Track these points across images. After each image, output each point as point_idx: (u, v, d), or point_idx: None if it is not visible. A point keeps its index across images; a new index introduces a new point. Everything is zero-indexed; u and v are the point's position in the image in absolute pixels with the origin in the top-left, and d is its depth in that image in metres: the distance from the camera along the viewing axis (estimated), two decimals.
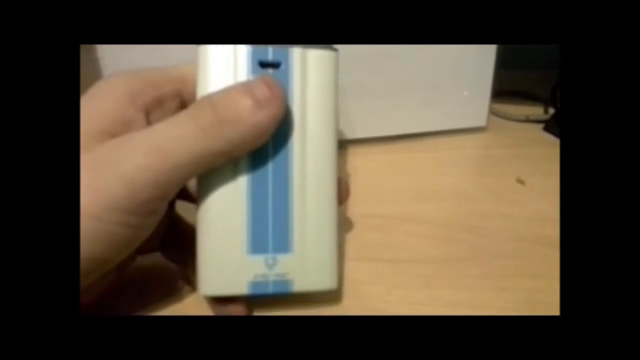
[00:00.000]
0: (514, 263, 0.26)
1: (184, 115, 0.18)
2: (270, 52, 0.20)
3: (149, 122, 0.19)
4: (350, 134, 0.38)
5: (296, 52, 0.20)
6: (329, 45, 0.21)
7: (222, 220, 0.19)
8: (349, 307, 0.23)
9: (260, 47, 0.20)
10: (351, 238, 0.28)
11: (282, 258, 0.20)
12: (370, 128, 0.39)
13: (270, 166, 0.20)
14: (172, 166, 0.17)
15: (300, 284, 0.20)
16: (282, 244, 0.20)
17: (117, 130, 0.18)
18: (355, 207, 0.31)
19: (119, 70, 0.20)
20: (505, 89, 0.47)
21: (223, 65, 0.19)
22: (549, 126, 0.44)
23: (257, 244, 0.20)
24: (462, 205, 0.32)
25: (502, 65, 0.41)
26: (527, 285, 0.24)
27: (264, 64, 0.20)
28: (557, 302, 0.17)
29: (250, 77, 0.19)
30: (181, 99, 0.21)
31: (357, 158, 0.37)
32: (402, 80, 0.38)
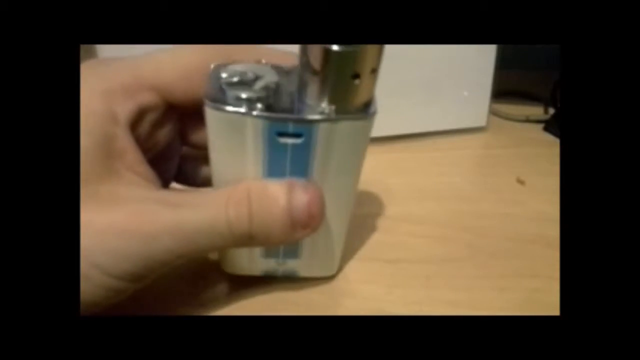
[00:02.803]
0: (514, 263, 0.26)
1: (218, 208, 0.17)
2: (290, 127, 0.17)
3: (135, 136, 0.18)
4: None
5: (322, 126, 0.17)
6: (364, 110, 0.17)
7: None
8: (349, 307, 0.23)
9: (278, 122, 0.16)
10: (351, 238, 0.28)
11: (291, 262, 0.23)
12: None
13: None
14: (196, 253, 0.17)
15: (305, 273, 0.24)
16: (292, 254, 0.22)
17: (106, 143, 0.17)
18: (355, 207, 0.31)
19: (90, 68, 0.18)
20: (505, 89, 0.47)
21: (235, 135, 0.17)
22: (549, 126, 0.44)
23: (269, 253, 0.22)
24: (462, 205, 0.32)
25: (502, 65, 0.40)
26: (527, 285, 0.24)
27: (283, 134, 0.17)
28: (557, 302, 0.17)
29: (267, 148, 0.17)
30: (164, 108, 0.19)
31: None
32: (402, 80, 0.38)
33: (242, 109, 0.16)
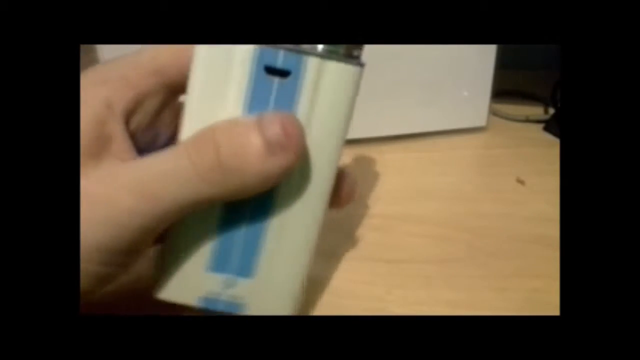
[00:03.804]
0: (513, 263, 0.26)
1: (180, 152, 0.16)
2: (281, 56, 0.16)
3: (129, 130, 0.18)
4: (350, 134, 0.38)
5: (312, 62, 0.17)
6: (354, 57, 0.17)
7: (191, 232, 0.18)
8: (349, 307, 0.23)
9: (270, 49, 0.16)
10: (351, 238, 0.28)
11: (242, 282, 0.19)
12: (370, 128, 0.39)
13: None
14: (163, 211, 0.16)
15: (254, 309, 0.20)
16: (246, 268, 0.19)
17: (96, 150, 0.16)
18: (355, 207, 0.31)
19: (92, 70, 0.18)
20: (505, 89, 0.47)
21: (221, 69, 0.17)
22: (549, 126, 0.44)
23: (219, 263, 0.19)
24: (462, 205, 0.32)
25: (502, 65, 0.41)
26: (527, 285, 0.24)
27: (270, 70, 0.16)
28: (557, 302, 0.17)
29: (251, 85, 0.17)
30: (163, 94, 0.19)
31: (357, 158, 0.37)
32: (402, 80, 0.38)
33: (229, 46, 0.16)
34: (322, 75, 0.17)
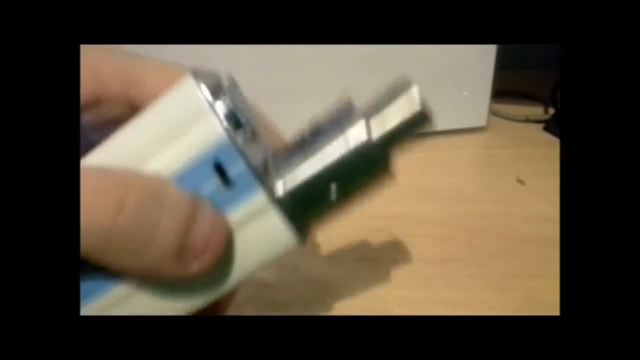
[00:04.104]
0: (514, 263, 0.26)
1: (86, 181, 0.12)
2: (235, 166, 0.14)
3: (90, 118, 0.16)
4: None
5: (259, 198, 0.14)
6: (303, 232, 0.15)
7: None
8: (349, 307, 0.23)
9: (232, 151, 0.14)
10: (351, 238, 0.28)
11: None
12: None
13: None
14: None
15: None
16: None
17: None
18: (355, 207, 0.31)
19: (94, 48, 0.17)
20: (505, 89, 0.47)
21: (184, 118, 0.14)
22: (549, 126, 0.44)
23: None
24: (462, 205, 0.32)
25: (502, 65, 0.40)
26: (527, 285, 0.24)
27: (219, 168, 0.14)
28: (557, 302, 0.17)
29: (192, 164, 0.14)
30: (131, 106, 0.17)
31: None
32: None
33: (214, 103, 0.14)
34: (258, 216, 0.14)
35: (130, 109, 0.17)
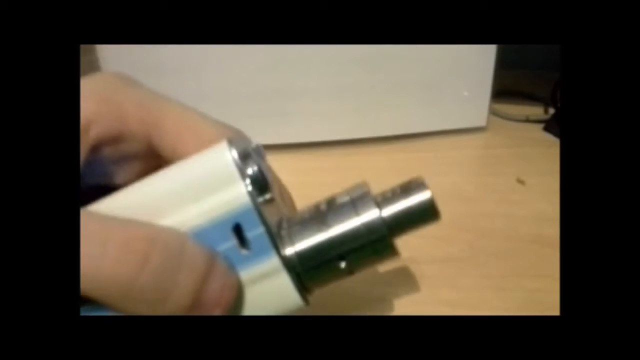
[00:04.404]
0: (514, 263, 0.26)
1: (98, 230, 0.13)
2: (254, 232, 0.15)
3: (92, 152, 0.17)
4: (350, 134, 0.38)
5: (273, 262, 0.15)
6: (308, 292, 0.16)
7: None
8: (349, 307, 0.23)
9: (253, 217, 0.15)
10: None
11: None
12: (370, 128, 0.39)
13: None
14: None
15: None
16: None
17: None
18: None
19: (106, 74, 0.17)
20: (505, 89, 0.47)
21: (212, 181, 0.15)
22: (549, 126, 0.44)
23: None
24: (462, 205, 0.32)
25: (502, 65, 0.40)
26: (527, 285, 0.24)
27: (238, 230, 0.15)
28: (557, 302, 0.17)
29: (213, 224, 0.15)
30: (149, 144, 0.17)
31: (357, 158, 0.37)
32: (402, 80, 0.38)
33: (244, 168, 0.15)
34: (270, 277, 0.15)
35: (148, 148, 0.17)
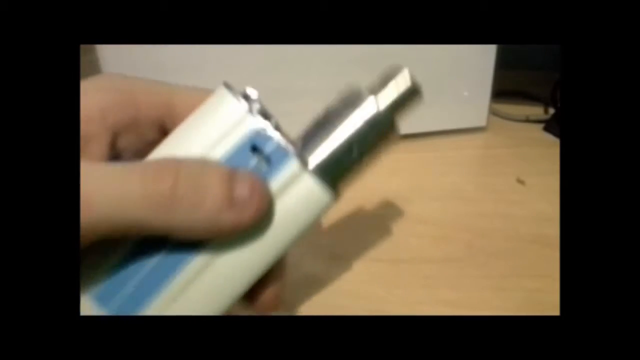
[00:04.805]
0: (513, 263, 0.26)
1: (136, 169, 0.15)
2: (270, 145, 0.16)
3: (112, 145, 0.17)
4: None
5: (293, 166, 0.16)
6: (336, 189, 0.17)
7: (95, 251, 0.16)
8: (349, 307, 0.23)
9: (265, 134, 0.16)
10: (351, 238, 0.28)
11: None
12: None
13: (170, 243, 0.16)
14: (95, 222, 0.14)
15: None
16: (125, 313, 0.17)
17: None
18: (355, 207, 0.31)
19: (110, 73, 0.18)
20: (505, 89, 0.47)
21: (221, 119, 0.17)
22: (549, 126, 0.44)
23: (103, 296, 0.17)
24: (462, 205, 0.32)
25: (502, 65, 0.40)
26: (527, 285, 0.24)
27: (255, 149, 0.17)
28: (557, 302, 0.17)
29: (233, 151, 0.16)
30: (162, 129, 0.18)
31: None
32: None
33: (246, 107, 0.17)
34: (295, 182, 0.17)
35: (162, 133, 0.18)
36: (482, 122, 0.43)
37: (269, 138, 0.17)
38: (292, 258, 0.26)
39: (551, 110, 0.45)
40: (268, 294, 0.19)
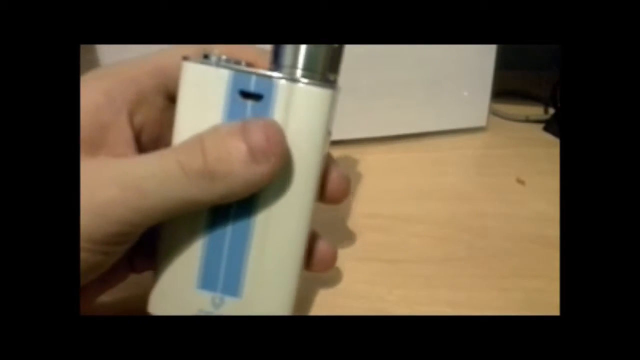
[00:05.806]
0: (514, 263, 0.26)
1: (170, 155, 0.17)
2: (252, 81, 0.17)
3: (132, 124, 0.18)
4: (350, 134, 0.38)
5: (282, 86, 0.17)
6: (329, 81, 0.18)
7: (179, 249, 0.19)
8: (349, 307, 0.23)
9: (243, 74, 0.17)
10: (351, 238, 0.28)
11: (229, 301, 0.19)
12: (370, 128, 0.39)
13: (233, 206, 0.18)
14: (149, 207, 0.16)
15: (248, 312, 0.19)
16: (232, 287, 0.19)
17: (95, 136, 0.17)
18: (355, 207, 0.31)
19: (94, 70, 0.19)
20: (505, 89, 0.47)
21: (201, 88, 0.18)
22: (549, 126, 0.44)
23: (207, 281, 0.19)
24: (462, 205, 0.32)
25: (502, 65, 0.40)
26: (527, 285, 0.24)
27: (245, 94, 0.17)
28: (557, 302, 0.17)
29: (227, 106, 0.18)
30: (166, 93, 0.20)
31: (357, 158, 0.37)
32: (402, 80, 0.38)
33: (213, 64, 0.18)
34: (293, 98, 0.17)
35: (167, 96, 0.20)
36: (482, 122, 0.43)
37: (248, 77, 0.17)
38: None
39: (551, 110, 0.45)
40: (321, 249, 0.21)
